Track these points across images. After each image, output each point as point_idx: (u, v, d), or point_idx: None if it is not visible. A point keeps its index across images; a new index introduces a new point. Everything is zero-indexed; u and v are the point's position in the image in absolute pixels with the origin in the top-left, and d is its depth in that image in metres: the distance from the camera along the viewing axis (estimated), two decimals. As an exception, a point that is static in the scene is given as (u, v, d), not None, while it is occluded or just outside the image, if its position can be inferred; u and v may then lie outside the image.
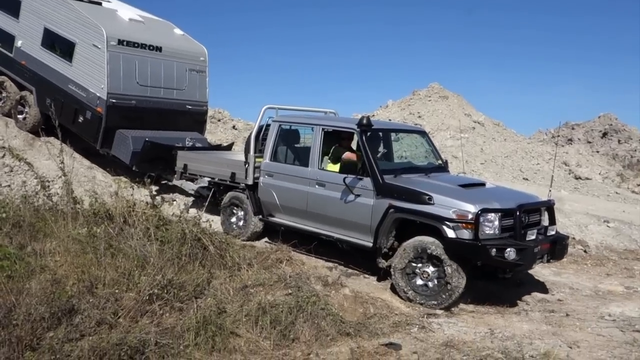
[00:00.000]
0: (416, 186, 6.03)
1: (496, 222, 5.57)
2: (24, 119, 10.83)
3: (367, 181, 6.29)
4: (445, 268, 5.54)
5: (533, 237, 5.85)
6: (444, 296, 5.59)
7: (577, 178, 15.64)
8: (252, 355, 4.19)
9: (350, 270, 6.76)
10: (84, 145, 10.26)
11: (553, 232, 6.24)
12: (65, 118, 9.68)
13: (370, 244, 6.22)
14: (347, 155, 6.87)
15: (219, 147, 10.88)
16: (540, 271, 7.18)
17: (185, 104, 10.57)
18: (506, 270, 6.07)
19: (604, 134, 23.83)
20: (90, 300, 4.40)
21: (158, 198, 6.82)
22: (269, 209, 7.55)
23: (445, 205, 5.64)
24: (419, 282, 5.78)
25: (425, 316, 5.34)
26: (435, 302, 5.61)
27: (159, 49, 10.09)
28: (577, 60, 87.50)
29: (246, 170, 7.70)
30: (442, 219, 5.59)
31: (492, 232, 5.55)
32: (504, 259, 5.48)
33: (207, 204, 7.14)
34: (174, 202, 8.78)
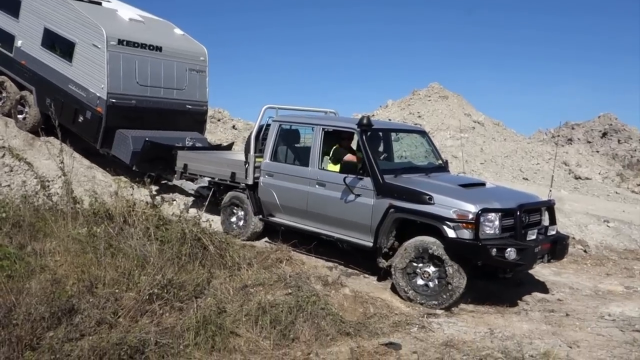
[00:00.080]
0: (416, 186, 6.03)
1: (496, 222, 5.57)
2: (24, 118, 10.82)
3: (367, 181, 6.29)
4: (447, 268, 5.54)
5: (533, 237, 5.84)
6: (444, 296, 5.59)
7: (577, 178, 15.64)
8: (252, 354, 4.19)
9: (350, 270, 6.76)
10: (84, 145, 10.26)
11: (553, 232, 6.24)
12: (65, 118, 9.68)
13: (371, 244, 6.21)
14: (348, 157, 6.88)
15: (219, 147, 10.88)
16: (540, 271, 7.18)
17: (185, 103, 10.57)
18: (507, 270, 6.07)
19: (604, 134, 23.82)
20: (90, 300, 4.40)
21: (158, 198, 6.83)
22: (269, 208, 7.55)
23: (445, 205, 5.64)
24: (420, 282, 5.78)
25: (425, 316, 5.34)
26: (436, 302, 5.61)
27: (159, 48, 10.09)
28: (577, 60, 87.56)
29: (246, 170, 7.70)
30: (442, 219, 5.59)
31: (492, 232, 5.55)
32: (505, 259, 5.47)
33: (207, 203, 7.13)
34: (174, 202, 8.78)
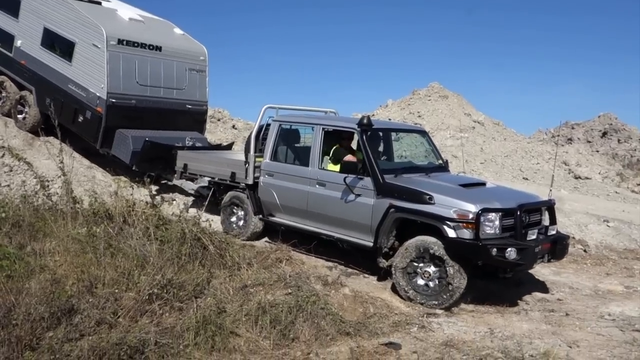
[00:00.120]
0: (417, 186, 6.03)
1: (497, 222, 5.56)
2: (24, 118, 10.82)
3: (367, 181, 6.28)
4: (448, 269, 5.53)
5: (534, 236, 5.84)
6: (444, 296, 5.58)
7: (577, 177, 15.65)
8: (251, 354, 4.19)
9: (350, 270, 6.76)
10: (84, 144, 10.25)
11: (554, 232, 6.23)
12: (65, 118, 9.68)
13: (371, 244, 6.21)
14: (348, 158, 6.88)
15: (219, 147, 10.88)
16: (540, 271, 7.18)
17: (185, 103, 10.56)
18: (507, 270, 6.05)
19: (604, 134, 23.83)
20: (90, 300, 4.40)
21: (158, 198, 6.83)
22: (269, 208, 7.55)
23: (446, 205, 5.64)
24: (420, 281, 5.77)
25: (425, 316, 5.34)
26: (436, 302, 5.61)
27: (158, 48, 10.08)
28: (577, 60, 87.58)
29: (246, 169, 7.69)
30: (442, 219, 5.59)
31: (492, 231, 5.55)
32: (505, 259, 5.47)
33: (206, 203, 7.13)
34: (174, 202, 8.78)
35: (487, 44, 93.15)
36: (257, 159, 7.64)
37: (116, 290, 4.57)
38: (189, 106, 10.62)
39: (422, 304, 5.65)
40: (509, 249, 5.45)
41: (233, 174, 7.93)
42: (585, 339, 4.97)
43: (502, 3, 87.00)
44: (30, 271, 4.83)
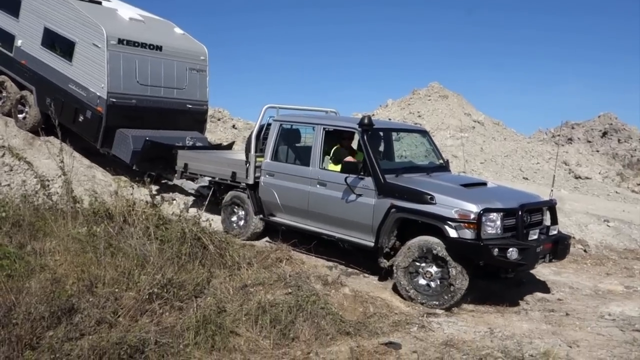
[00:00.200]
0: (418, 186, 6.02)
1: (498, 222, 5.56)
2: (24, 118, 10.82)
3: (368, 181, 6.28)
4: (450, 270, 5.52)
5: (535, 236, 5.83)
6: (446, 297, 5.58)
7: (577, 177, 15.65)
8: (251, 354, 4.19)
9: (350, 270, 6.76)
10: (84, 144, 10.25)
11: (555, 232, 6.22)
12: (66, 117, 9.67)
13: (372, 244, 6.21)
14: (348, 159, 6.87)
15: (219, 147, 10.88)
16: (540, 270, 7.17)
17: (186, 103, 10.56)
18: (508, 270, 6.03)
19: (604, 134, 23.82)
20: (90, 300, 4.40)
21: (158, 197, 6.83)
22: (270, 208, 7.55)
23: (447, 205, 5.63)
24: (422, 281, 5.77)
25: (425, 315, 5.34)
26: (437, 303, 5.60)
27: (159, 48, 10.08)
28: (577, 60, 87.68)
29: (247, 169, 7.69)
30: (444, 219, 5.58)
31: (494, 231, 5.54)
32: (507, 259, 5.46)
33: (206, 203, 7.13)
34: (174, 202, 8.79)
35: (487, 44, 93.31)
36: (258, 159, 7.63)
37: (116, 290, 4.57)
38: (190, 106, 10.62)
39: (422, 303, 5.65)
40: (511, 249, 5.44)
41: (234, 174, 7.92)
42: (585, 338, 4.97)
43: (502, 3, 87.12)
44: (31, 270, 4.83)
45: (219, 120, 18.33)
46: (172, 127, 10.24)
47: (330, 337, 4.51)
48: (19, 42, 10.74)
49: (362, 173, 6.33)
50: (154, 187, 7.30)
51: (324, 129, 6.96)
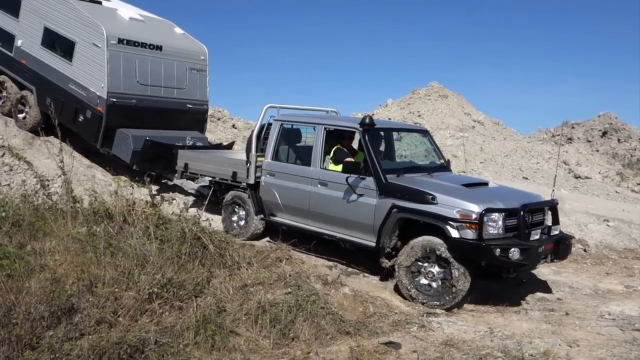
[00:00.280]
0: (419, 186, 6.01)
1: (500, 222, 5.55)
2: (24, 118, 10.82)
3: (369, 181, 6.27)
4: (453, 271, 5.51)
5: (537, 236, 5.82)
6: (447, 298, 5.57)
7: (577, 177, 15.64)
8: (251, 354, 4.19)
9: (350, 269, 6.75)
10: (84, 144, 10.25)
11: (557, 232, 6.21)
12: (66, 117, 9.68)
13: (373, 244, 6.20)
14: (349, 159, 6.86)
15: (219, 146, 10.88)
16: (540, 270, 7.17)
17: (186, 103, 10.56)
18: (510, 270, 6.02)
19: (604, 133, 23.81)
20: (90, 299, 4.40)
21: (158, 197, 6.83)
22: (271, 208, 7.54)
23: (448, 205, 5.62)
24: (423, 281, 5.76)
25: (425, 315, 5.34)
26: (438, 303, 5.60)
27: (159, 48, 10.08)
28: (577, 59, 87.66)
29: (248, 169, 7.68)
30: (445, 219, 5.57)
31: (496, 232, 5.53)
32: (508, 259, 5.45)
33: (207, 203, 7.13)
34: (174, 201, 8.79)
35: (487, 44, 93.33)
36: (259, 159, 7.63)
37: (116, 290, 4.57)
38: (190, 105, 10.61)
39: (423, 303, 5.64)
40: (513, 249, 5.43)
41: (234, 174, 7.92)
42: (585, 338, 4.97)
43: (502, 3, 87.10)
44: (30, 270, 4.83)
45: (219, 120, 18.33)
46: (172, 126, 10.24)
47: (330, 336, 4.51)
48: (19, 42, 10.74)
49: (363, 173, 6.32)
50: (154, 187, 7.30)
51: (324, 128, 6.96)
